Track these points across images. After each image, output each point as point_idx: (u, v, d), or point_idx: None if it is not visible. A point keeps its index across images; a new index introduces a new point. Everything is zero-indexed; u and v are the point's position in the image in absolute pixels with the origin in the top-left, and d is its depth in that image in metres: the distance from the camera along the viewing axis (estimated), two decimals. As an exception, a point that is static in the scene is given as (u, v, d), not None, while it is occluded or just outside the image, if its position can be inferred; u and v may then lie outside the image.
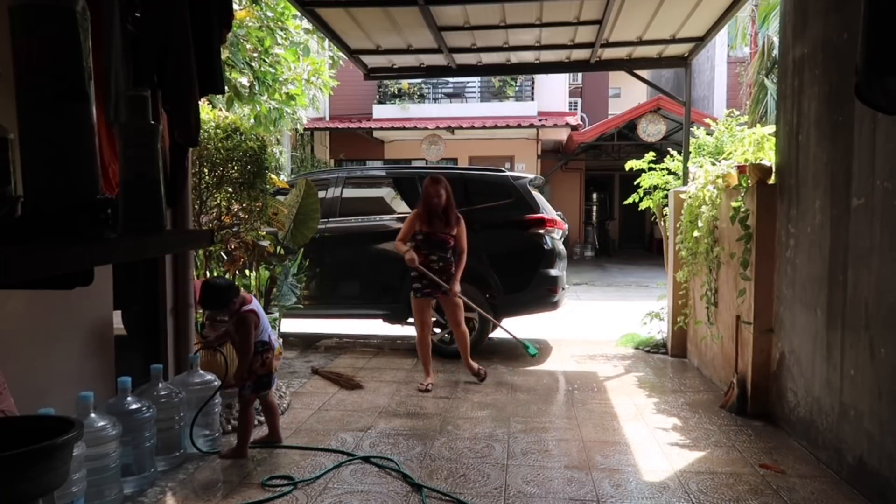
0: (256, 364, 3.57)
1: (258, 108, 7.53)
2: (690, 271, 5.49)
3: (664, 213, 6.72)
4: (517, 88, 16.70)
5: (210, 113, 4.99)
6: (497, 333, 6.69)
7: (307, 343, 6.67)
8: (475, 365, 5.23)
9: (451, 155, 16.46)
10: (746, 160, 4.62)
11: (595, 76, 20.91)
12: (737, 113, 7.78)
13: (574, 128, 15.90)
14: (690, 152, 6.81)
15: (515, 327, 7.08)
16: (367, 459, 3.53)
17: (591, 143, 16.44)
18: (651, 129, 14.76)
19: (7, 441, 1.65)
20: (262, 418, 4.03)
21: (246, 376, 3.56)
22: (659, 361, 5.95)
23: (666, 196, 6.61)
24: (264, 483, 3.21)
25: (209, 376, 3.69)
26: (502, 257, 5.99)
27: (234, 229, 4.97)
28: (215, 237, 4.64)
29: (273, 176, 5.61)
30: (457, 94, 17.06)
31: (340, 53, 8.65)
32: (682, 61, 6.70)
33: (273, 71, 7.44)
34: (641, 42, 6.24)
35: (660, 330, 6.46)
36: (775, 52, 10.22)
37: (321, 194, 6.16)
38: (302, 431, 4.00)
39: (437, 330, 6.12)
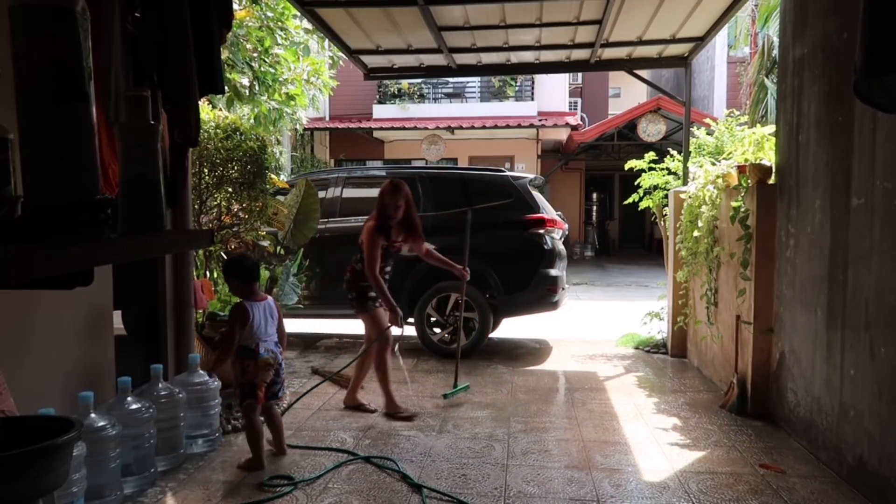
0: (237, 370, 3.41)
1: (258, 108, 7.53)
2: (690, 271, 5.49)
3: (664, 213, 6.72)
4: (517, 88, 16.69)
5: (210, 113, 5.00)
6: (497, 333, 6.70)
7: (307, 343, 6.67)
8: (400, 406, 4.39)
9: (451, 155, 16.46)
10: (746, 160, 4.62)
11: (595, 76, 20.90)
12: (737, 113, 7.77)
13: (574, 128, 15.90)
14: (690, 152, 6.81)
15: (516, 327, 7.11)
16: (367, 459, 3.53)
17: (591, 143, 16.43)
18: (651, 129, 14.76)
19: (7, 441, 1.65)
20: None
21: (234, 383, 3.49)
22: (659, 361, 5.95)
23: (666, 196, 6.61)
24: (264, 483, 3.21)
25: (208, 376, 3.69)
26: (502, 257, 5.99)
27: (234, 229, 4.97)
28: (215, 237, 4.65)
29: (273, 176, 5.61)
30: (457, 94, 17.06)
31: (340, 53, 8.65)
32: (682, 61, 6.70)
33: (273, 71, 7.44)
34: (641, 42, 6.24)
35: (660, 330, 6.46)
36: (775, 52, 10.21)
37: (321, 194, 6.16)
38: (302, 431, 4.00)
39: (437, 330, 6.12)
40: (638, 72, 7.07)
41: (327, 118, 16.29)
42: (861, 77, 1.96)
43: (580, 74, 20.90)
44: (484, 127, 15.52)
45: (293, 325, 6.82)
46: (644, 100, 17.46)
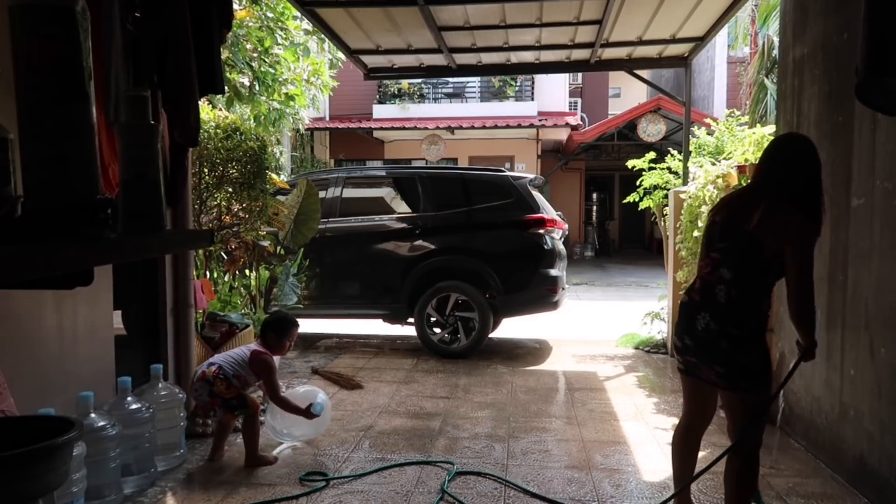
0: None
1: (258, 108, 7.53)
2: (690, 271, 5.48)
3: (664, 212, 6.72)
4: (517, 88, 16.68)
5: (210, 113, 4.99)
6: (497, 333, 6.70)
7: (307, 343, 6.66)
8: None
9: (451, 155, 16.45)
10: (746, 160, 4.62)
11: (595, 76, 20.87)
12: (737, 113, 7.78)
13: (574, 128, 15.89)
14: (691, 152, 6.81)
15: (516, 327, 7.11)
16: (432, 463, 3.51)
17: (591, 143, 16.43)
18: (651, 129, 14.76)
19: (7, 441, 1.65)
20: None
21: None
22: (659, 361, 5.94)
23: (666, 196, 6.61)
24: (301, 478, 3.25)
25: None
26: (502, 257, 5.99)
27: (234, 229, 4.97)
28: (215, 237, 4.64)
29: (273, 176, 5.61)
30: (457, 94, 17.05)
31: (340, 55, 8.64)
32: (682, 61, 6.70)
33: (273, 71, 7.43)
34: (641, 42, 6.24)
35: (660, 330, 6.45)
36: (775, 52, 10.21)
37: (321, 194, 6.16)
38: (302, 431, 4.00)
39: (437, 330, 6.12)
40: (638, 72, 7.07)
41: (327, 118, 16.28)
42: (862, 79, 1.96)
43: (580, 74, 20.88)
44: (484, 127, 15.52)
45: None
46: (644, 100, 17.45)
